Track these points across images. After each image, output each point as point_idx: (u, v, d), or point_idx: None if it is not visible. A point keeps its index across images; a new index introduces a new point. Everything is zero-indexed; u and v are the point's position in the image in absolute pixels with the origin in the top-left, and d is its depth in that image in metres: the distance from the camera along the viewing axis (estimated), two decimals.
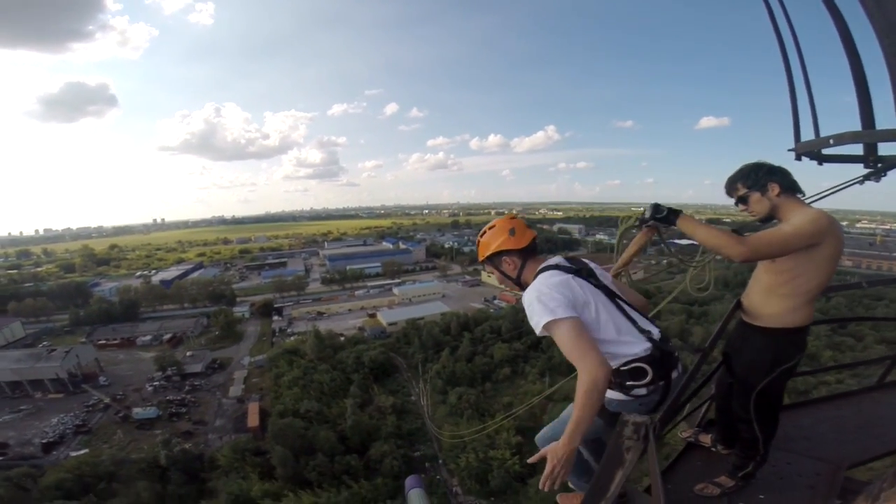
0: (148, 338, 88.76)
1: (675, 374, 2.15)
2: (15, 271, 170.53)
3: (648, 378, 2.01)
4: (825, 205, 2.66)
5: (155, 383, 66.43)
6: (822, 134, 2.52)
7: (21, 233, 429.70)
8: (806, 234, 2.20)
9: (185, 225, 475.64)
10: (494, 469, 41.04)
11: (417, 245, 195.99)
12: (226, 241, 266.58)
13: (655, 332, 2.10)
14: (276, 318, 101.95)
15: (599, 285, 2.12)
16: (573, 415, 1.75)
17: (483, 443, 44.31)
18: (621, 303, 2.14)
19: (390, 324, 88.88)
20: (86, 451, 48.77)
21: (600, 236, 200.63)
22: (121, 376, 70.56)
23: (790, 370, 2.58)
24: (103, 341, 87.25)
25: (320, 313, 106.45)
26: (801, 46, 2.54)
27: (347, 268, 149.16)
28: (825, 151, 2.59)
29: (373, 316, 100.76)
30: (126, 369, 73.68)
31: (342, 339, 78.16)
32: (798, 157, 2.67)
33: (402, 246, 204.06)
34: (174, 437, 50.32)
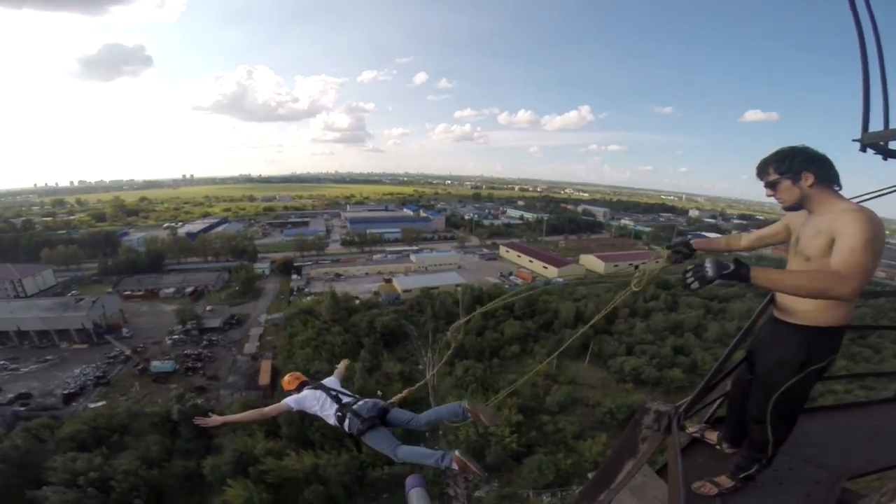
0: (171, 290, 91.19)
1: (353, 418, 3.91)
2: (49, 219, 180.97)
3: (346, 424, 3.88)
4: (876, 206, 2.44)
5: (174, 337, 68.35)
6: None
7: (57, 183, 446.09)
8: (880, 241, 2.00)
9: (213, 181, 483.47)
10: (492, 445, 41.20)
11: (438, 214, 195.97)
12: (251, 199, 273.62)
13: (346, 399, 4.06)
14: (294, 276, 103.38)
15: (325, 388, 4.13)
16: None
17: None
18: (336, 393, 4.08)
19: (405, 291, 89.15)
20: (103, 402, 50.59)
21: (625, 221, 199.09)
22: (142, 328, 72.91)
23: (820, 372, 2.42)
24: (128, 292, 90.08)
25: (338, 275, 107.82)
26: (879, 32, 2.41)
27: (367, 231, 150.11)
28: (893, 146, 2.55)
29: (388, 281, 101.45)
30: (148, 321, 76.06)
31: (357, 302, 78.61)
32: (863, 149, 2.61)
33: (422, 214, 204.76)
34: (188, 391, 51.74)
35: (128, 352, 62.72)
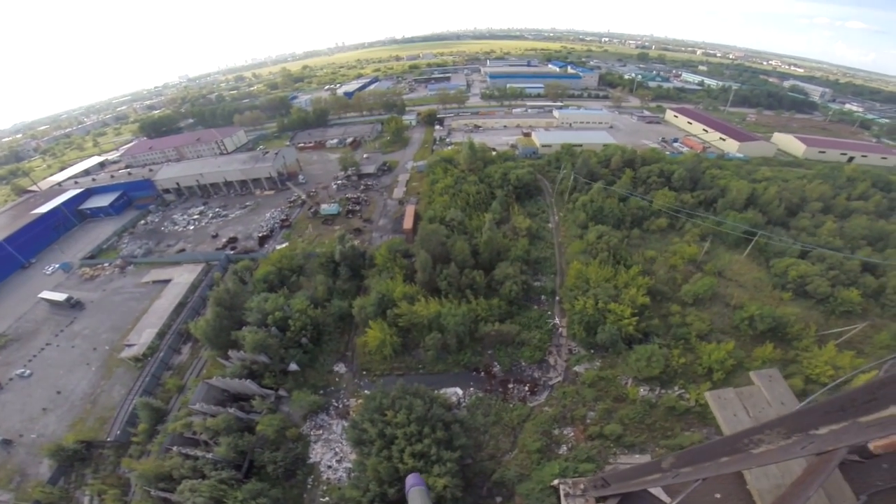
0: (335, 141, 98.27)
1: None
2: (235, 91, 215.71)
3: None
4: None
5: (338, 182, 73.79)
6: None
7: (235, 63, 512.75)
8: None
9: (362, 46, 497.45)
10: (608, 323, 37.68)
11: (589, 72, 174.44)
12: (397, 58, 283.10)
13: None
14: (437, 127, 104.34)
15: None
16: None
17: (608, 292, 40.66)
18: None
19: (544, 145, 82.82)
20: (286, 244, 56.44)
21: (851, 106, 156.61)
22: (314, 175, 79.47)
23: None
24: (301, 144, 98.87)
25: (476, 126, 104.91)
26: None
27: (507, 86, 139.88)
28: None
29: (527, 135, 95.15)
30: (318, 169, 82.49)
31: (493, 153, 74.62)
32: None
33: (570, 70, 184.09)
34: (348, 233, 55.08)
35: (304, 196, 69.06)
